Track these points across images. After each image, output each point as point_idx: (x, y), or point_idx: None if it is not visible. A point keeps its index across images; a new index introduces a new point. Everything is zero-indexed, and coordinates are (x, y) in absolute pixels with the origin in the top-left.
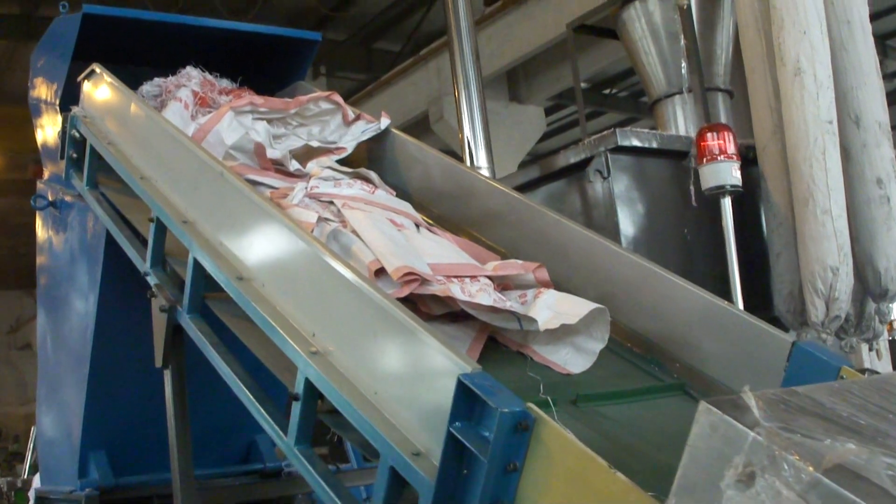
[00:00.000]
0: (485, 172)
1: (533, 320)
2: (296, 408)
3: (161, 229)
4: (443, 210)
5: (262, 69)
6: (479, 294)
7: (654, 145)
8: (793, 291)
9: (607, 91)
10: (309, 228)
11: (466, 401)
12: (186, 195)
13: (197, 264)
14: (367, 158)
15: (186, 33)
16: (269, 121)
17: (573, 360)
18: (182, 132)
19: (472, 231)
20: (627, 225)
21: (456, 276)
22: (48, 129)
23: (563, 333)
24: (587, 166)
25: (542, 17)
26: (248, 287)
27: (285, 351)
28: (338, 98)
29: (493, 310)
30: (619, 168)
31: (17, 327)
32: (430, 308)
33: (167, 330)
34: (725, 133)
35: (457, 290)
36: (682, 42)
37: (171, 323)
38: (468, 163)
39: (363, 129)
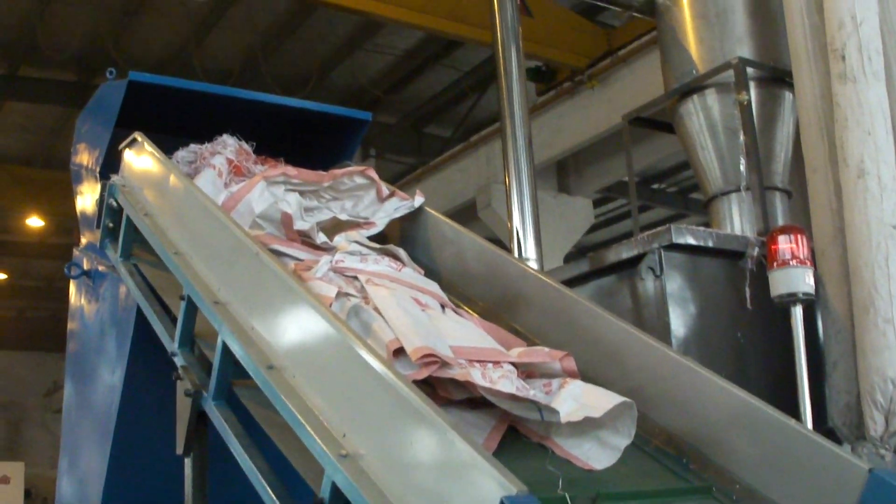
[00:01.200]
0: (533, 265)
1: (555, 411)
2: None
3: (192, 308)
4: (472, 291)
5: (311, 147)
6: (501, 381)
7: (710, 244)
8: (850, 403)
9: (656, 186)
10: (327, 303)
11: None
12: (220, 274)
13: (226, 348)
14: (400, 236)
15: (233, 106)
16: (302, 193)
17: (596, 455)
18: (220, 208)
19: (501, 314)
20: (679, 325)
21: (478, 361)
22: (87, 197)
23: (587, 426)
24: (639, 263)
25: (595, 109)
26: (278, 377)
27: (313, 451)
28: (372, 173)
29: (513, 398)
30: (672, 266)
31: (53, 390)
32: (450, 392)
33: (191, 415)
34: (798, 236)
35: (477, 376)
36: (742, 138)
37: (195, 408)
38: (516, 253)
39: (396, 207)
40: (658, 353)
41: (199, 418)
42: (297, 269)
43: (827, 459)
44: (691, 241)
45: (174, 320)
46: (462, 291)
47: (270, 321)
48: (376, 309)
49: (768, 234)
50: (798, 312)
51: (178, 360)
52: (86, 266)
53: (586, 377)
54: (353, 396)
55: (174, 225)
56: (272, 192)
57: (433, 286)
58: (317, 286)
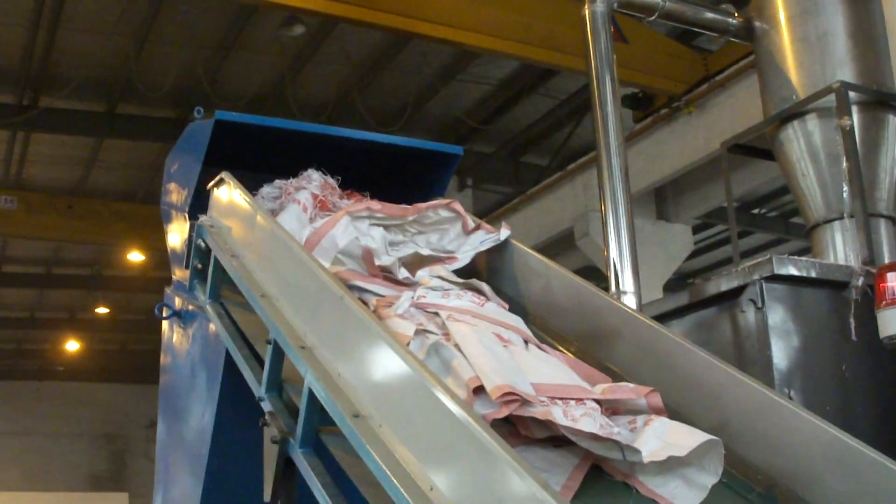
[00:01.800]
0: (630, 298)
1: (637, 451)
2: None
3: (278, 352)
4: (559, 325)
5: (403, 182)
6: (583, 419)
7: (813, 274)
8: None
9: (756, 210)
10: (405, 341)
11: None
12: (306, 317)
13: (312, 395)
14: (486, 269)
15: (322, 142)
16: (387, 227)
17: (682, 494)
18: (305, 250)
19: (588, 349)
20: (781, 358)
21: (560, 398)
22: (177, 236)
23: (673, 464)
24: (740, 295)
25: (692, 135)
26: (364, 427)
27: None
28: (458, 206)
29: (595, 437)
30: (774, 298)
31: (157, 421)
32: (531, 430)
33: (278, 462)
34: None
35: (558, 414)
36: (844, 164)
37: (282, 455)
38: (613, 286)
39: (482, 240)
40: (747, 387)
41: (287, 465)
42: (378, 305)
43: None
44: (793, 271)
45: (262, 363)
46: (549, 325)
47: (356, 367)
48: (457, 346)
49: (877, 271)
50: None
51: (266, 406)
52: (177, 306)
53: (673, 412)
54: (439, 447)
55: (261, 266)
56: (356, 226)
57: (517, 321)
58: (395, 324)
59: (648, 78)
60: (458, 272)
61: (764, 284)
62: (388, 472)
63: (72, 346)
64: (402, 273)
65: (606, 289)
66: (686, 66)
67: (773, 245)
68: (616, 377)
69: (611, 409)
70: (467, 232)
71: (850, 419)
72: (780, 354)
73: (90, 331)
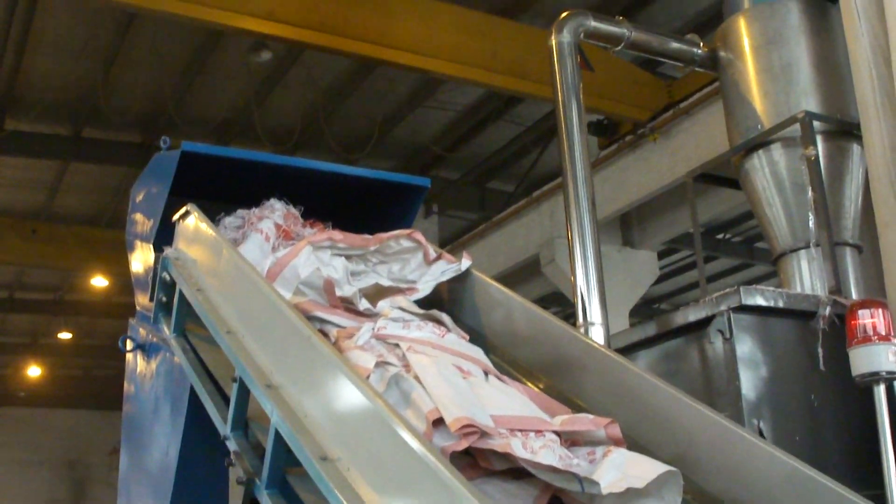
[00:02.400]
0: (598, 329)
1: (595, 483)
2: None
3: (244, 391)
4: (520, 355)
5: (369, 212)
6: (543, 451)
7: (780, 304)
8: None
9: (721, 236)
10: (365, 374)
11: None
12: (273, 355)
13: (278, 436)
14: (448, 300)
15: (288, 172)
16: (349, 257)
17: None
18: (273, 288)
19: (548, 379)
20: (750, 389)
21: (520, 430)
22: (141, 267)
23: (633, 495)
24: (708, 325)
25: (657, 162)
26: (331, 469)
27: None
28: (419, 236)
29: (554, 469)
30: (742, 328)
31: (118, 449)
32: (491, 462)
33: (244, 503)
34: (880, 310)
35: (518, 446)
36: (810, 194)
37: (247, 497)
38: (580, 317)
39: (443, 270)
40: (706, 418)
41: None
42: (339, 336)
43: None
44: (761, 301)
45: (227, 400)
46: (510, 356)
47: (324, 407)
48: (416, 377)
49: (848, 308)
50: (881, 392)
51: (231, 445)
52: (141, 337)
53: (633, 443)
54: (408, 492)
55: (227, 301)
56: (318, 257)
57: (477, 352)
58: (356, 355)
59: (613, 105)
60: (419, 303)
61: (732, 315)
62: None
63: (33, 371)
64: (363, 304)
65: (573, 318)
66: (650, 94)
67: (738, 270)
68: (576, 409)
69: (570, 440)
70: (429, 262)
71: (819, 449)
72: (749, 385)
73: (52, 356)
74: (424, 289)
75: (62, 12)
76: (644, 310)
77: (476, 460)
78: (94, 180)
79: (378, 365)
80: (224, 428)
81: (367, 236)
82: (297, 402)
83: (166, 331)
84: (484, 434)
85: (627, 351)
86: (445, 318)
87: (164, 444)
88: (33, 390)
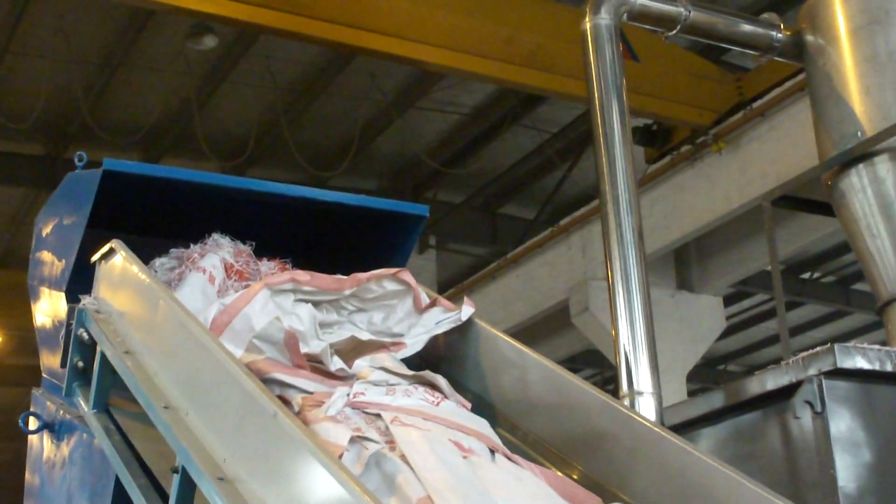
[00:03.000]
0: (648, 400)
1: None
2: None
3: (188, 485)
4: (537, 429)
5: (346, 250)
6: None
7: (889, 368)
8: None
9: (807, 275)
10: (338, 453)
11: None
12: (226, 439)
13: None
14: (444, 357)
15: (241, 198)
16: (317, 304)
17: None
18: (229, 353)
19: (573, 459)
20: (849, 478)
21: None
22: (49, 321)
23: None
24: (793, 395)
25: (724, 180)
26: None
27: None
28: (408, 277)
29: None
30: (837, 399)
31: None
32: None
33: None
34: None
35: None
36: None
37: None
38: (624, 381)
39: (439, 320)
40: (727, 477)
41: None
42: (305, 404)
43: None
44: (862, 364)
45: (166, 498)
46: (522, 429)
47: None
48: (403, 457)
49: None
50: None
51: None
52: (48, 413)
53: None
54: None
55: (165, 367)
56: (278, 303)
57: (481, 424)
58: (325, 429)
59: (665, 106)
60: (407, 361)
61: (824, 381)
62: None
63: None
64: (336, 363)
65: (612, 384)
66: (714, 91)
67: (830, 320)
68: (608, 497)
69: None
70: (420, 310)
71: None
72: (847, 472)
73: None
74: (414, 344)
75: None
76: (707, 372)
77: None
78: None
79: (354, 441)
80: None
81: (340, 277)
82: (258, 499)
83: (84, 406)
84: None
85: (685, 428)
86: (441, 380)
87: None
88: None
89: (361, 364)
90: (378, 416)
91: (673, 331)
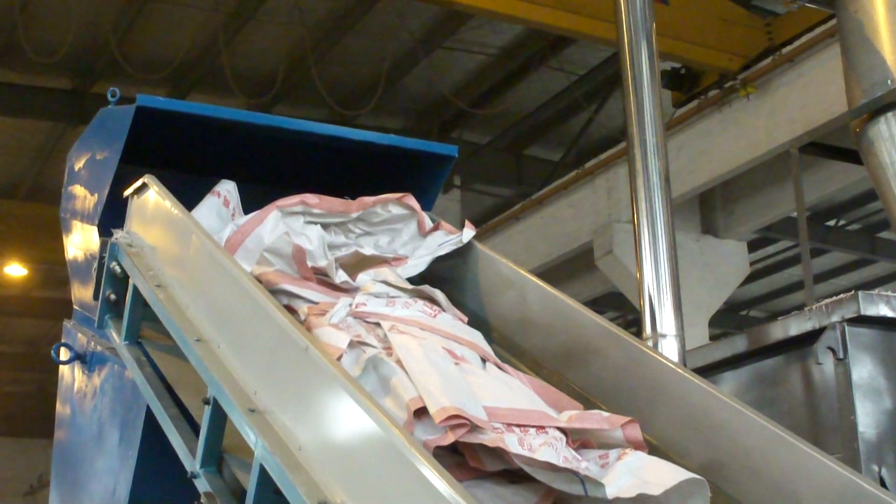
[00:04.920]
0: (671, 342)
1: (599, 485)
2: None
3: (219, 415)
4: (530, 345)
5: (373, 189)
6: (543, 448)
7: None
8: None
9: (832, 223)
10: (337, 355)
11: None
12: (258, 370)
13: (264, 474)
14: (445, 278)
15: (271, 135)
16: (326, 226)
17: None
18: (260, 287)
19: (561, 371)
20: (869, 425)
21: (518, 425)
22: (81, 255)
23: None
24: (815, 341)
25: (751, 125)
26: None
27: None
28: (412, 202)
29: (553, 468)
30: (859, 345)
31: (38, 488)
32: (482, 462)
33: None
34: None
35: (513, 442)
36: None
37: None
38: (648, 325)
39: (441, 242)
40: (750, 421)
41: None
42: (310, 313)
43: None
44: (886, 311)
45: (196, 428)
46: (516, 344)
47: (324, 438)
48: (399, 361)
49: None
50: None
51: (201, 485)
52: (80, 344)
53: (656, 450)
54: None
55: (197, 301)
56: (288, 224)
57: (474, 335)
58: (327, 334)
59: (694, 50)
60: (410, 281)
61: (847, 328)
62: None
63: None
64: (340, 276)
65: (635, 326)
66: (744, 36)
67: (855, 268)
68: (590, 405)
69: (580, 440)
70: (424, 233)
71: None
72: (868, 419)
73: None
74: (418, 264)
75: None
76: (730, 318)
77: (465, 459)
78: (11, 139)
79: (353, 345)
80: (192, 463)
81: (348, 200)
82: (288, 430)
83: (115, 338)
84: (474, 427)
85: (709, 370)
86: (440, 295)
87: (111, 483)
88: None
89: (365, 278)
90: (377, 324)
91: (696, 275)
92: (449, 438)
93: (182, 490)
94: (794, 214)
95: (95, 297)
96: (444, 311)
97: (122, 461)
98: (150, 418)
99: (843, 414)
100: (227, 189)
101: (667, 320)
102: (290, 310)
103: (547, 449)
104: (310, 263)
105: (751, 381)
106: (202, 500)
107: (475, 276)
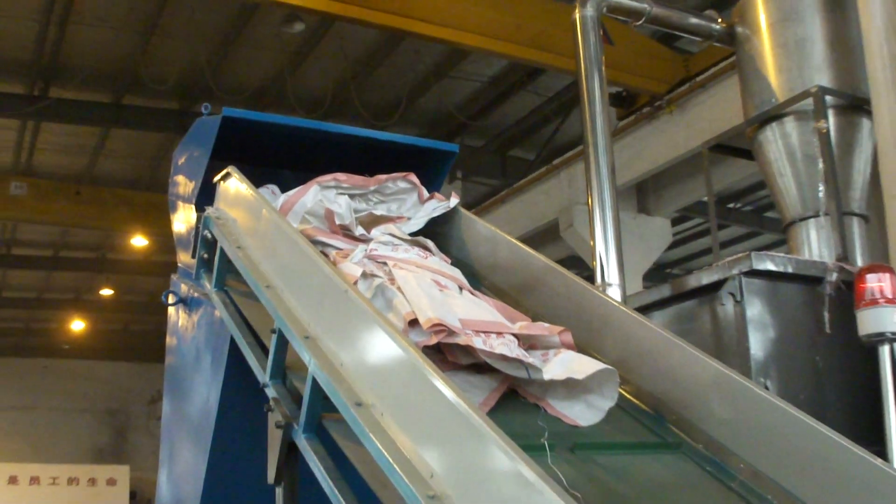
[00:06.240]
0: (615, 290)
1: (539, 370)
2: None
3: (283, 342)
4: (499, 280)
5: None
6: (500, 346)
7: (790, 270)
8: None
9: (732, 205)
10: (352, 280)
11: None
12: (310, 308)
13: (315, 384)
14: (437, 234)
15: (326, 139)
16: (352, 196)
17: (583, 414)
18: (311, 245)
19: (517, 297)
20: (758, 349)
21: (483, 332)
22: (183, 226)
23: (578, 391)
24: (720, 288)
25: (673, 133)
26: (366, 415)
27: (402, 492)
28: (414, 178)
29: (504, 358)
30: (752, 292)
31: (156, 399)
32: (457, 357)
33: (281, 446)
34: (887, 275)
35: (479, 342)
36: (820, 165)
37: (286, 440)
38: (599, 277)
39: (434, 207)
40: (649, 330)
41: (290, 449)
42: (337, 256)
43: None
44: (771, 267)
45: (266, 351)
46: (489, 280)
47: (358, 357)
48: (399, 288)
49: (857, 272)
50: (886, 352)
51: (270, 392)
52: (182, 292)
53: (582, 351)
54: (439, 436)
55: (266, 258)
56: (324, 194)
57: (455, 272)
58: (347, 267)
59: (632, 78)
60: (412, 235)
61: (743, 279)
62: (390, 459)
63: (77, 325)
64: (359, 230)
65: (591, 279)
66: (668, 67)
67: (747, 238)
68: (536, 318)
69: (528, 344)
70: (422, 201)
71: (822, 408)
72: (757, 345)
73: (95, 311)
74: (417, 223)
75: None
76: (656, 275)
77: (445, 356)
78: (134, 146)
79: (366, 276)
80: (263, 376)
81: (368, 178)
82: (332, 352)
83: (207, 286)
84: (451, 332)
85: (642, 311)
86: (430, 244)
87: (205, 393)
88: (77, 343)
89: (376, 232)
90: (384, 263)
91: (633, 243)
92: (433, 340)
93: (256, 397)
94: (706, 199)
95: (193, 256)
96: (433, 254)
97: (213, 377)
98: (233, 345)
99: (739, 341)
100: (273, 187)
101: (612, 274)
102: (324, 254)
103: (503, 346)
104: (337, 222)
105: (673, 319)
106: (271, 405)
107: (459, 232)
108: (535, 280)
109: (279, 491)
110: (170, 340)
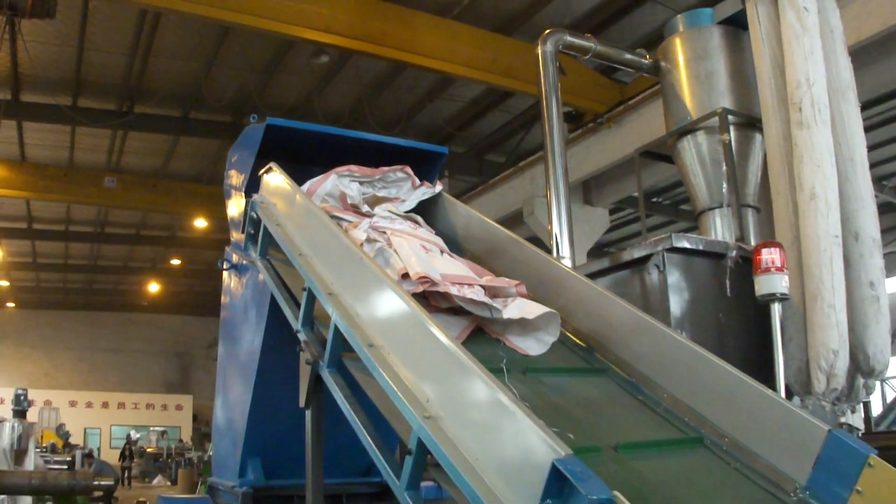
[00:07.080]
0: (567, 262)
1: (499, 310)
2: (408, 460)
3: (311, 298)
4: (470, 247)
5: None
6: (471, 294)
7: (701, 247)
8: (801, 367)
9: (655, 199)
10: (358, 242)
11: (558, 483)
12: (333, 272)
13: (337, 330)
14: (426, 213)
15: (344, 142)
16: (361, 183)
17: (533, 346)
18: (334, 223)
19: (486, 260)
20: (676, 308)
21: (458, 283)
22: (235, 209)
23: (530, 329)
24: (647, 261)
25: (611, 144)
26: (376, 353)
27: (403, 413)
28: (408, 170)
29: (473, 302)
30: (672, 264)
31: (213, 344)
32: (438, 302)
33: (310, 379)
34: (777, 249)
35: (454, 290)
36: (724, 168)
37: (313, 373)
38: (555, 252)
39: (424, 192)
40: (580, 282)
41: (316, 381)
42: (348, 227)
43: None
44: (687, 245)
45: (298, 305)
46: (463, 246)
47: (370, 309)
48: (395, 251)
49: (754, 248)
50: (777, 308)
51: (301, 336)
52: (234, 260)
53: (532, 299)
54: (433, 370)
55: (298, 233)
56: (340, 181)
57: (437, 240)
58: (356, 234)
59: (580, 100)
60: (406, 212)
61: (665, 254)
62: (395, 388)
63: (153, 287)
64: (365, 208)
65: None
66: (607, 92)
67: (666, 225)
68: (498, 275)
69: (492, 293)
70: (415, 187)
71: (724, 353)
72: (676, 305)
73: (167, 276)
74: (410, 203)
75: (177, 27)
76: (597, 252)
77: (429, 302)
78: (198, 150)
79: (370, 241)
80: (296, 324)
81: (374, 169)
82: (350, 305)
83: (253, 255)
84: (434, 283)
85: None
86: (419, 219)
87: (251, 338)
88: (153, 301)
89: (378, 209)
90: (384, 232)
91: (580, 227)
92: (420, 289)
93: (291, 341)
94: (636, 194)
95: (242, 231)
96: (421, 227)
97: (257, 325)
98: (273, 301)
99: (662, 302)
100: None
101: (565, 250)
102: (338, 225)
103: (473, 294)
104: (349, 202)
105: (612, 284)
106: (302, 346)
107: (443, 211)
108: (500, 248)
109: (308, 413)
110: (224, 298)
